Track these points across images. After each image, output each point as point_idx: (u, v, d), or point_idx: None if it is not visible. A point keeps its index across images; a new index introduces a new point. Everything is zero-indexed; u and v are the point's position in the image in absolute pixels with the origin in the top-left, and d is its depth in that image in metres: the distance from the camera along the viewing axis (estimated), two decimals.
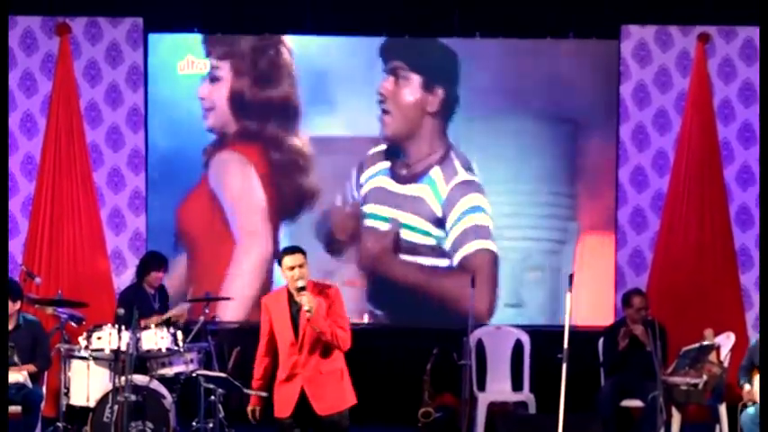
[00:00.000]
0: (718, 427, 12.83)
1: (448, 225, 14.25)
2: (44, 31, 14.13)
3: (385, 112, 14.29)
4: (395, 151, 14.32)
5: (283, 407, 9.27)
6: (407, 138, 14.35)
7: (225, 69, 14.28)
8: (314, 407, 9.20)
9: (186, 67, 14.22)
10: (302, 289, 9.11)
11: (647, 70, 14.26)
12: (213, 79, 14.27)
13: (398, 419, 13.26)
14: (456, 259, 14.26)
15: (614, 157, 14.29)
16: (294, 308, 9.23)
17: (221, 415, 12.50)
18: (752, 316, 14.14)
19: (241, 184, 14.36)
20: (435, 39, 14.27)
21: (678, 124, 14.18)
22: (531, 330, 13.68)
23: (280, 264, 9.34)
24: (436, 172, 14.28)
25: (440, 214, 14.27)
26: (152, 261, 13.19)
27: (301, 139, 14.31)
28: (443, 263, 14.28)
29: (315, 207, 14.32)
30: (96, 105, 14.24)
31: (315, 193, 14.32)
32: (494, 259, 14.27)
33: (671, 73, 14.26)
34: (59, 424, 12.38)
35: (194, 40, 14.25)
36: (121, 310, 11.79)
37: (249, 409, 9.52)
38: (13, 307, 12.13)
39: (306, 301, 9.06)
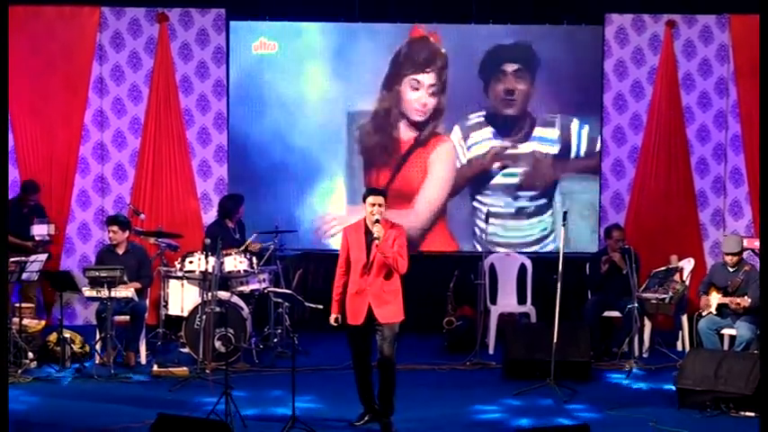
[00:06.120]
0: (680, 332, 12.83)
1: None
2: (147, 19, 14.01)
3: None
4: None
5: (355, 316, 9.38)
6: None
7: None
8: (377, 316, 9.29)
9: (259, 47, 14.05)
10: (377, 222, 9.23)
11: (626, 50, 14.07)
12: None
13: (428, 327, 13.13)
14: None
15: (599, 118, 14.07)
16: (369, 237, 9.35)
17: (287, 323, 12.53)
18: (708, 245, 14.06)
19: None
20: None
21: (650, 92, 14.07)
22: (533, 256, 13.52)
23: (364, 200, 9.42)
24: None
25: None
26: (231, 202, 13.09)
27: None
28: None
29: None
30: (188, 78, 14.10)
31: None
32: None
33: (644, 52, 14.08)
34: (159, 330, 12.59)
35: (265, 26, 14.04)
36: (208, 240, 11.84)
37: (333, 317, 9.54)
38: (123, 236, 12.20)
39: (377, 230, 9.23)
